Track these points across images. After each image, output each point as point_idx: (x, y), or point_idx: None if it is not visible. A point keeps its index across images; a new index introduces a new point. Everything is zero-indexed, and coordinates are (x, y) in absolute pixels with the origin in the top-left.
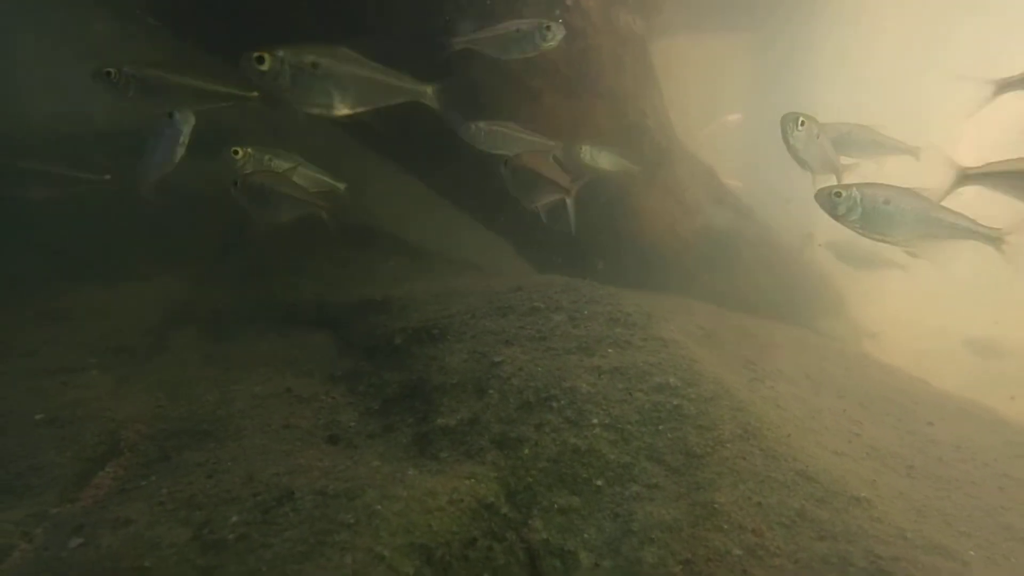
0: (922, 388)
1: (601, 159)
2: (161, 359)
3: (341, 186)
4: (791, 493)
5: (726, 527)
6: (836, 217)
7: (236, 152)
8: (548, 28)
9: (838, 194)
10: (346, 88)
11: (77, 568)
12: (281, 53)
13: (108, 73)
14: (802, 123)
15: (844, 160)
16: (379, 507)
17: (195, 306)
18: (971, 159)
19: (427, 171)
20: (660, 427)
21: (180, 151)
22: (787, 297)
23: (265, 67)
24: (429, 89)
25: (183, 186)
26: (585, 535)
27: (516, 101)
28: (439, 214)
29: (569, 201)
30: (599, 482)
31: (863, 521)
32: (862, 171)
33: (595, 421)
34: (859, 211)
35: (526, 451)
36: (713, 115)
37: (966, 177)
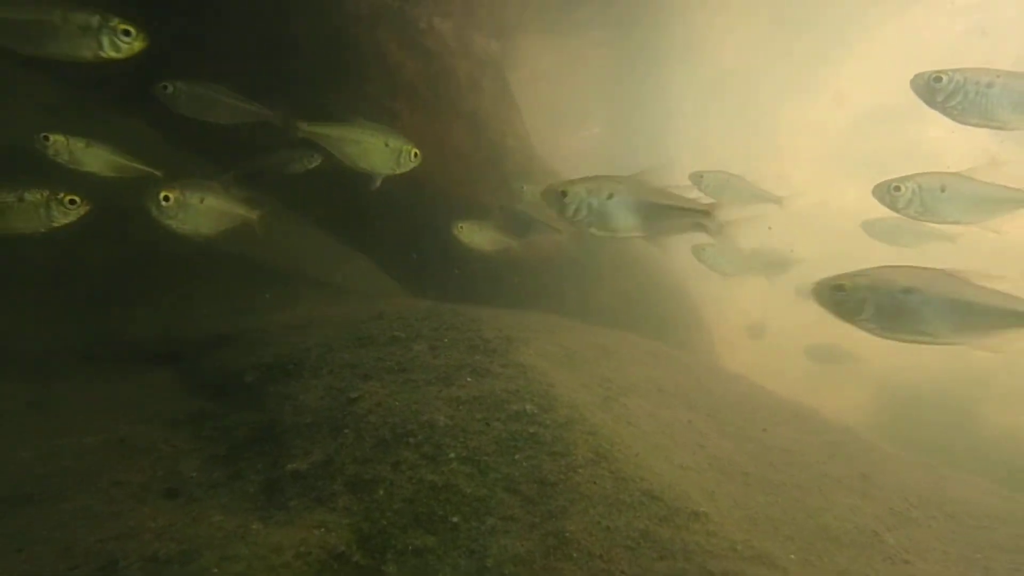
0: (761, 394)
1: (482, 237)
2: None
3: None
4: (637, 514)
5: (575, 555)
6: (565, 217)
7: None
8: None
9: (564, 193)
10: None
11: None
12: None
13: None
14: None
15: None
16: (216, 571)
17: (15, 344)
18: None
19: (280, 185)
20: (516, 456)
21: None
22: (648, 311)
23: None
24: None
25: None
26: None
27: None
28: (303, 233)
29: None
30: (455, 519)
31: (700, 536)
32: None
33: (452, 455)
34: (585, 209)
35: (381, 492)
36: (574, 127)
37: None
